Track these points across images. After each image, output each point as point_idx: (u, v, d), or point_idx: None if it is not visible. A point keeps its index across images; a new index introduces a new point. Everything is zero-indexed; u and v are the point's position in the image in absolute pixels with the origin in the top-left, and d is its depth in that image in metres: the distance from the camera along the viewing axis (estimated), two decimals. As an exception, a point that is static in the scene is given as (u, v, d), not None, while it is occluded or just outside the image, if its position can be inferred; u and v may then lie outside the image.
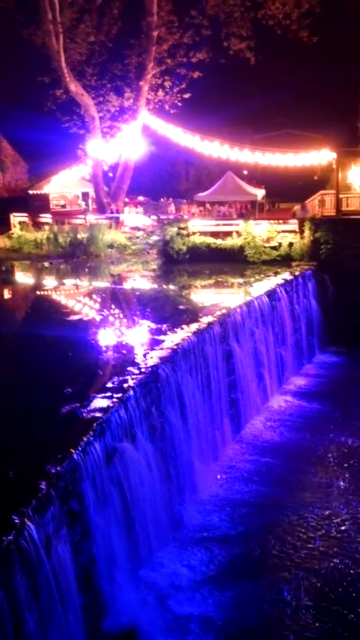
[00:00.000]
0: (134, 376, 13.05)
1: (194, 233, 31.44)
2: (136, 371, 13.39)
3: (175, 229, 31.28)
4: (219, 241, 30.55)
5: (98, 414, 11.05)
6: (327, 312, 26.50)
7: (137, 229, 34.40)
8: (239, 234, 30.34)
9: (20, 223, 37.28)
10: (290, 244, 29.08)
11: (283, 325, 22.73)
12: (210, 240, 30.72)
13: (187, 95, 38.87)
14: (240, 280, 25.50)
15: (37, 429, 11.04)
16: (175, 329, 16.68)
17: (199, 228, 31.94)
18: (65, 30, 35.16)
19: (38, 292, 26.58)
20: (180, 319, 18.45)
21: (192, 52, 37.48)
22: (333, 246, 27.80)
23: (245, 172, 43.39)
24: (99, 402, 11.64)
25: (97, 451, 10.23)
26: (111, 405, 11.47)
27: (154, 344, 15.54)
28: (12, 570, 7.69)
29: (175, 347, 15.04)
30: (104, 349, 16.38)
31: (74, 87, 36.66)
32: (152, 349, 15.00)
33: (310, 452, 16.99)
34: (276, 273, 25.69)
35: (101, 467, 10.30)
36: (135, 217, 36.84)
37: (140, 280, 27.96)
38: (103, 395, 11.97)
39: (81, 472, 9.70)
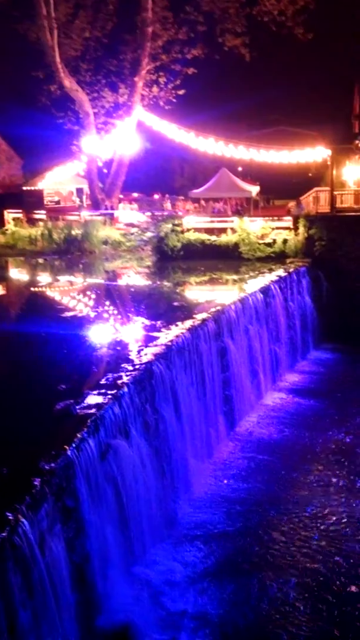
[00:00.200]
0: (128, 373, 13.04)
1: (188, 230, 31.44)
2: (130, 368, 13.38)
3: (169, 226, 31.27)
4: (213, 238, 30.57)
5: (92, 411, 11.03)
6: (322, 308, 26.56)
7: (132, 225, 34.32)
8: (233, 230, 30.36)
9: (14, 219, 37.18)
10: (285, 241, 29.12)
11: (277, 322, 22.76)
12: (204, 237, 30.74)
13: (181, 92, 38.74)
14: (235, 277, 25.51)
15: (30, 426, 11.00)
16: (170, 326, 16.67)
17: (194, 225, 31.95)
18: (59, 25, 35.08)
19: (32, 289, 26.49)
20: (174, 315, 18.45)
21: (186, 48, 37.37)
22: (327, 243, 27.85)
23: (240, 169, 43.38)
24: (93, 398, 11.62)
25: (91, 448, 10.20)
26: (105, 402, 11.45)
27: (148, 340, 15.53)
28: (5, 567, 7.66)
29: (170, 343, 15.03)
30: (98, 345, 16.35)
31: (69, 82, 36.52)
32: (146, 346, 14.99)
33: (304, 448, 17.03)
34: (270, 270, 25.72)
35: (95, 464, 10.28)
36: (129, 214, 36.75)
37: (134, 276, 27.94)
38: (97, 392, 11.95)
39: (75, 469, 9.68)
